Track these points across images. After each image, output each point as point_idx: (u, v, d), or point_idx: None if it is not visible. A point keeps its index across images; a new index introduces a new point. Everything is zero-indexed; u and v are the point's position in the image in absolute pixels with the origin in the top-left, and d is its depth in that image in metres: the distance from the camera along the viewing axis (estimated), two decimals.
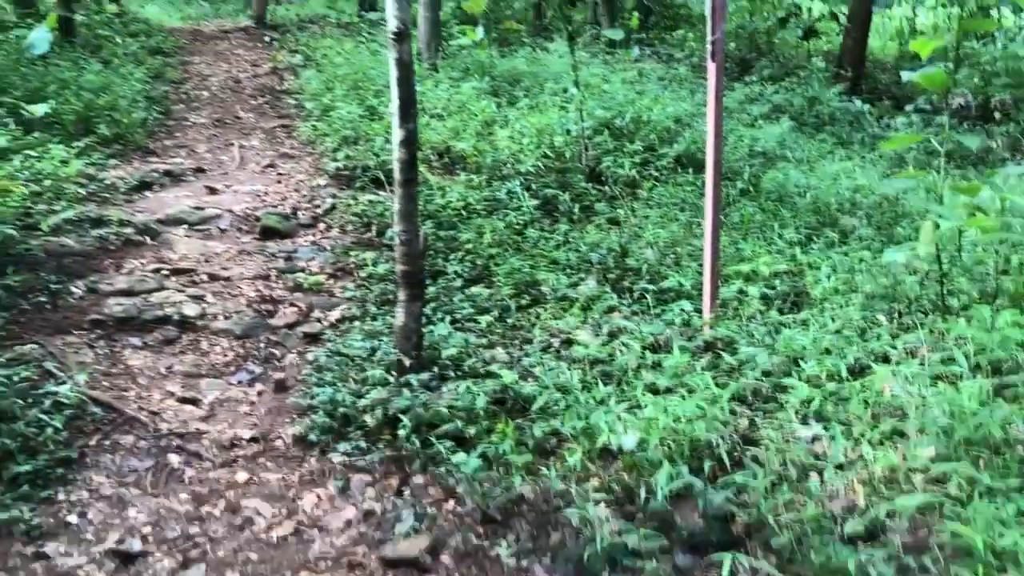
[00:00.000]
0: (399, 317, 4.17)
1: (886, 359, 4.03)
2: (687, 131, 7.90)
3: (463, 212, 6.14)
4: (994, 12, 11.53)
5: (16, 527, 3.16)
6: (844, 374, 3.82)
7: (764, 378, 4.03)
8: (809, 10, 12.49)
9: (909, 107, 9.49)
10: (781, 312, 4.77)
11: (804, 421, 3.70)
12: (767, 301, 4.87)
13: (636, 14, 11.93)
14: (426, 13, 9.75)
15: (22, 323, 4.50)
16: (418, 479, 3.53)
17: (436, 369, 4.15)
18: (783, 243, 5.78)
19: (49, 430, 3.64)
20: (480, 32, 8.92)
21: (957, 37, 4.64)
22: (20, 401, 3.73)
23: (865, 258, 5.30)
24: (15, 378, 3.86)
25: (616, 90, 8.87)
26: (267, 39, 13.21)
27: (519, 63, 10.55)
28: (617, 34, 11.14)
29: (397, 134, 4.03)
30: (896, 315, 4.52)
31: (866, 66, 11.81)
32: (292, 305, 5.11)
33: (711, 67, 4.46)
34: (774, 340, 4.34)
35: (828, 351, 4.13)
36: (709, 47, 4.42)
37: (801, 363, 4.05)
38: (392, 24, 3.95)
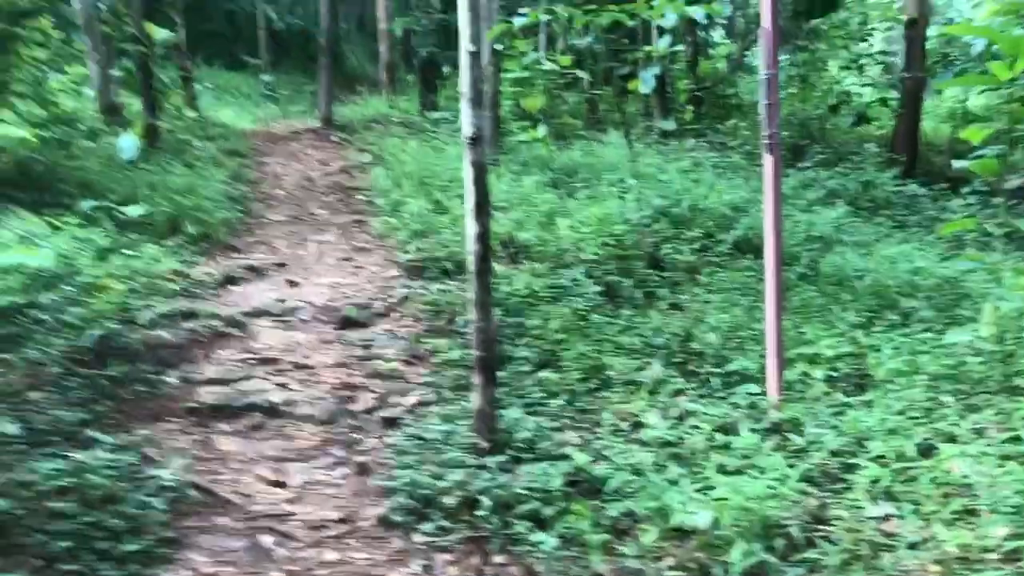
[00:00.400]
0: (475, 401, 4.38)
1: (953, 439, 4.10)
2: (744, 217, 8.11)
3: (529, 299, 6.39)
4: None
5: None
6: (912, 454, 3.90)
7: (832, 458, 4.13)
8: (859, 96, 12.75)
9: (965, 189, 9.57)
10: (845, 393, 4.86)
11: (874, 501, 3.78)
12: (831, 383, 4.97)
13: (690, 107, 12.30)
14: (487, 112, 10.23)
15: (124, 411, 4.82)
16: (498, 558, 3.68)
17: (511, 451, 4.32)
18: (844, 326, 5.88)
19: (152, 512, 3.89)
20: (542, 130, 9.34)
21: (1010, 120, 4.81)
22: (126, 485, 4.00)
23: (927, 340, 5.38)
24: (120, 463, 4.14)
25: (672, 179, 9.17)
26: (335, 139, 13.90)
27: (576, 156, 10.96)
28: (670, 125, 11.55)
29: (472, 229, 4.32)
30: (961, 396, 4.59)
31: (919, 149, 11.96)
32: (370, 391, 5.36)
33: (768, 160, 4.70)
34: (840, 421, 4.43)
35: (894, 431, 4.21)
36: (766, 142, 4.67)
37: (868, 443, 4.14)
38: (467, 130, 4.29)
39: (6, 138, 6.20)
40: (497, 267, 6.93)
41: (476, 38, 4.29)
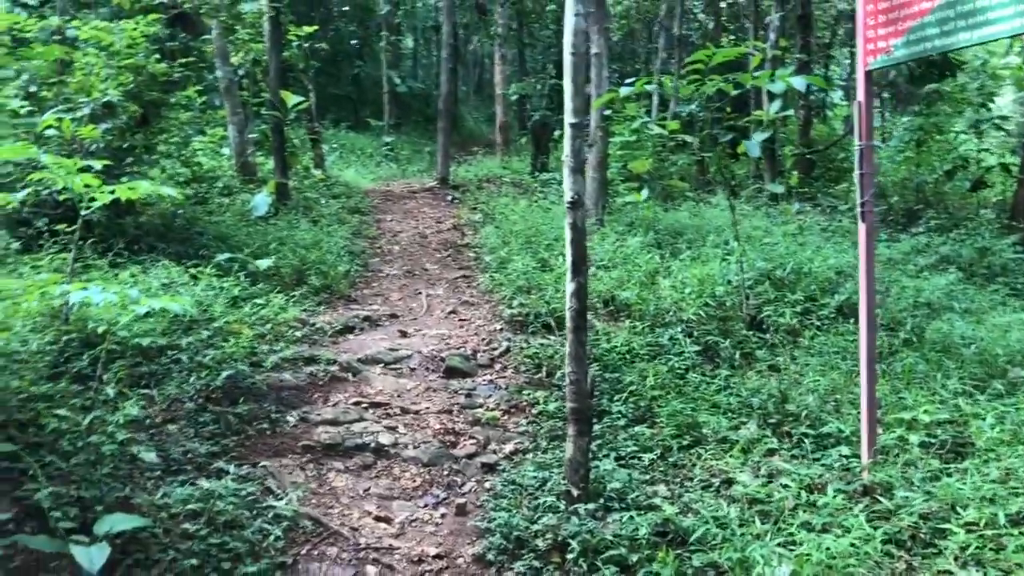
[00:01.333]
0: (568, 451, 4.61)
1: None
2: (848, 281, 8.09)
3: (627, 356, 6.58)
4: None
5: None
6: (1002, 521, 3.89)
7: (922, 523, 4.14)
8: (978, 162, 12.47)
9: None
10: (942, 460, 4.84)
11: (963, 567, 3.79)
12: (928, 449, 4.95)
13: (795, 172, 12.33)
14: (594, 174, 10.58)
15: (248, 446, 5.26)
16: None
17: (602, 500, 4.52)
18: (947, 393, 5.82)
19: (270, 538, 4.27)
20: (645, 193, 9.59)
21: None
22: (247, 512, 4.39)
23: None
24: (243, 492, 4.54)
25: (777, 242, 9.23)
26: (450, 198, 14.51)
27: (682, 217, 11.13)
28: (778, 188, 11.58)
29: (569, 287, 4.60)
30: None
31: None
32: (471, 438, 5.66)
33: (861, 228, 4.82)
34: (933, 487, 4.43)
35: (989, 499, 4.19)
36: (859, 210, 4.79)
37: (960, 510, 4.14)
38: (568, 195, 4.60)
39: (157, 195, 6.85)
40: (597, 324, 7.17)
41: (579, 111, 4.63)
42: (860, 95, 4.78)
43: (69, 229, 5.49)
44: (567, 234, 4.62)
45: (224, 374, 5.64)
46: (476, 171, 17.69)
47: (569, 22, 4.55)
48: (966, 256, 10.15)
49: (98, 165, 5.30)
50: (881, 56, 4.70)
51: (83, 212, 5.34)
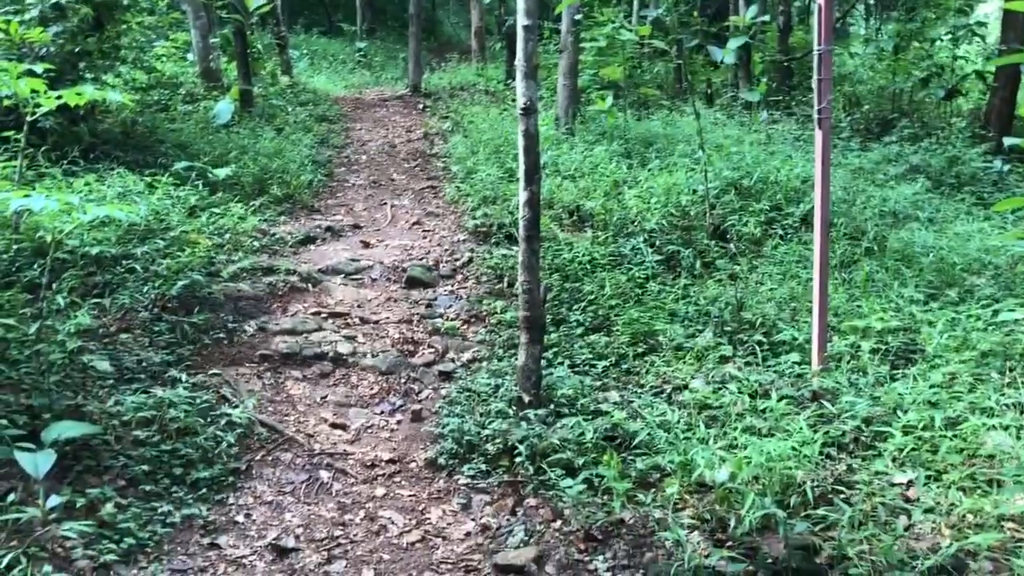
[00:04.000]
0: (520, 358, 4.64)
1: (989, 413, 4.15)
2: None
3: (588, 266, 6.58)
4: None
5: (195, 522, 3.81)
6: (939, 424, 3.97)
7: (864, 427, 4.23)
8: (952, 71, 12.31)
9: None
10: (893, 366, 4.92)
11: (900, 468, 3.89)
12: (880, 356, 5.03)
13: (764, 80, 12.14)
14: (565, 81, 10.37)
15: (204, 355, 5.26)
16: (530, 501, 3.96)
17: (552, 406, 4.58)
18: (902, 301, 5.88)
19: (223, 444, 4.31)
20: (610, 100, 9.43)
21: None
22: (201, 420, 4.42)
23: (984, 316, 5.35)
24: (198, 400, 4.57)
25: (747, 151, 9.15)
26: (421, 106, 14.24)
27: (654, 126, 10.97)
28: (753, 96, 11.41)
29: (522, 195, 4.55)
30: (1007, 371, 4.60)
31: (1014, 126, 11.52)
32: (430, 347, 5.68)
33: (818, 134, 4.77)
34: (879, 392, 4.51)
35: (933, 404, 4.28)
36: (816, 116, 4.73)
37: (902, 414, 4.23)
38: (521, 100, 4.51)
39: (114, 102, 6.66)
40: (560, 234, 7.14)
41: (532, 12, 4.49)
42: None
43: (17, 136, 5.35)
44: (520, 142, 4.55)
45: (180, 283, 5.60)
46: (450, 79, 17.31)
47: None
48: (936, 165, 10.13)
49: (39, 69, 5.12)
50: None
51: (28, 118, 5.19)
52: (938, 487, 3.68)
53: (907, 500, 3.67)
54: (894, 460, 3.94)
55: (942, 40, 12.71)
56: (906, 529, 3.46)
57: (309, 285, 6.39)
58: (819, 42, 4.66)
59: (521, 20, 4.48)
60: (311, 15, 24.71)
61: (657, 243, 7.01)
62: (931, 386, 4.40)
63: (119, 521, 3.60)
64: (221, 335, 5.49)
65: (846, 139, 11.08)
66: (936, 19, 13.80)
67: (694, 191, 7.79)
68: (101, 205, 4.35)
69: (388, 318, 6.05)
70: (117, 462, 3.99)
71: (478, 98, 14.18)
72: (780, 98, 12.58)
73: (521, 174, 4.54)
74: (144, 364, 4.86)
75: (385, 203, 8.70)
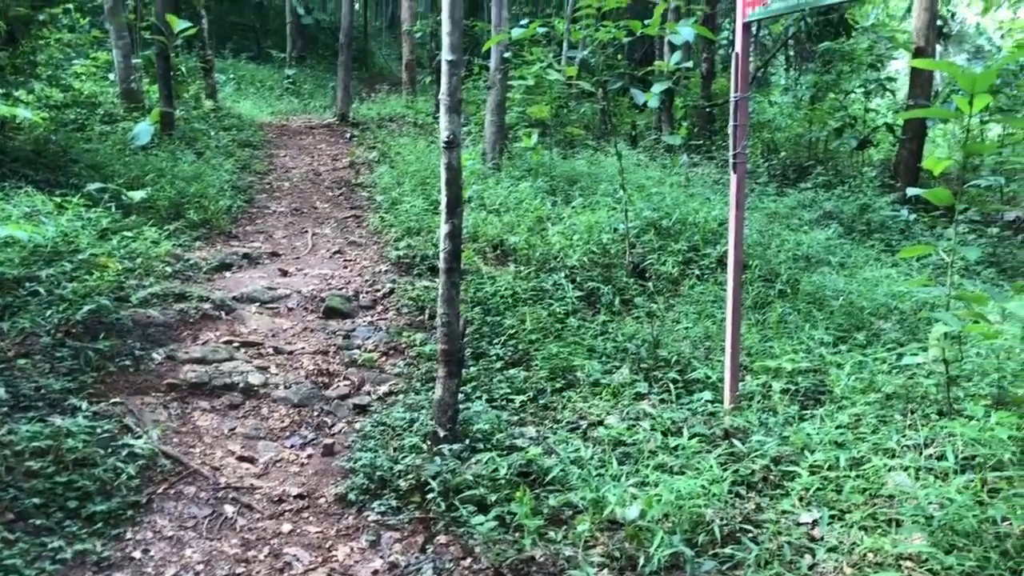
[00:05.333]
0: (437, 392, 4.59)
1: (891, 454, 4.27)
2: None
3: (510, 300, 6.58)
4: None
5: (88, 558, 3.63)
6: (844, 464, 4.07)
7: (773, 466, 4.31)
8: (864, 122, 12.85)
9: (961, 217, 9.67)
10: (802, 407, 5.04)
11: (806, 507, 3.96)
12: (790, 396, 5.14)
13: (686, 125, 12.47)
14: (492, 117, 10.45)
15: (108, 383, 5.06)
16: (441, 538, 3.89)
17: (468, 441, 4.54)
18: (813, 343, 6.04)
19: (123, 476, 4.13)
20: (534, 138, 9.54)
21: (965, 152, 4.88)
22: (101, 450, 4.24)
23: (888, 359, 5.54)
24: (98, 430, 4.38)
25: (667, 192, 9.34)
26: (348, 135, 14.16)
27: (579, 165, 11.14)
28: (675, 139, 11.68)
29: (444, 228, 4.54)
30: (909, 413, 4.75)
31: (920, 177, 12.06)
32: (346, 379, 5.58)
33: (733, 178, 4.88)
34: (789, 431, 4.61)
35: (839, 444, 4.39)
36: (731, 161, 4.85)
37: (809, 454, 4.32)
38: (444, 134, 4.51)
39: (23, 119, 6.44)
40: (484, 267, 7.15)
41: (456, 48, 4.51)
42: (737, 46, 4.81)
43: None
44: (442, 175, 4.54)
45: (86, 308, 5.39)
46: (379, 109, 17.29)
47: None
48: (848, 212, 10.52)
49: None
50: (759, 7, 4.72)
51: None
52: (841, 526, 3.75)
53: (812, 539, 3.73)
54: (800, 499, 4.01)
55: (855, 93, 13.27)
56: (810, 568, 3.51)
57: (222, 313, 6.23)
58: (735, 90, 4.79)
59: (446, 55, 4.50)
60: (241, 40, 24.44)
61: (578, 279, 7.07)
62: (837, 427, 4.51)
63: (4, 558, 3.40)
64: (127, 362, 5.29)
65: (763, 184, 11.44)
66: (850, 72, 14.42)
67: (615, 229, 7.90)
68: (4, 225, 4.18)
69: (304, 348, 5.93)
70: (6, 494, 3.79)
71: (406, 129, 14.19)
72: (701, 142, 12.94)
73: (444, 206, 4.53)
74: (43, 391, 4.65)
75: (306, 231, 8.57)
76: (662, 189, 9.35)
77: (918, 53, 11.70)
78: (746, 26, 4.84)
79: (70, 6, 9.83)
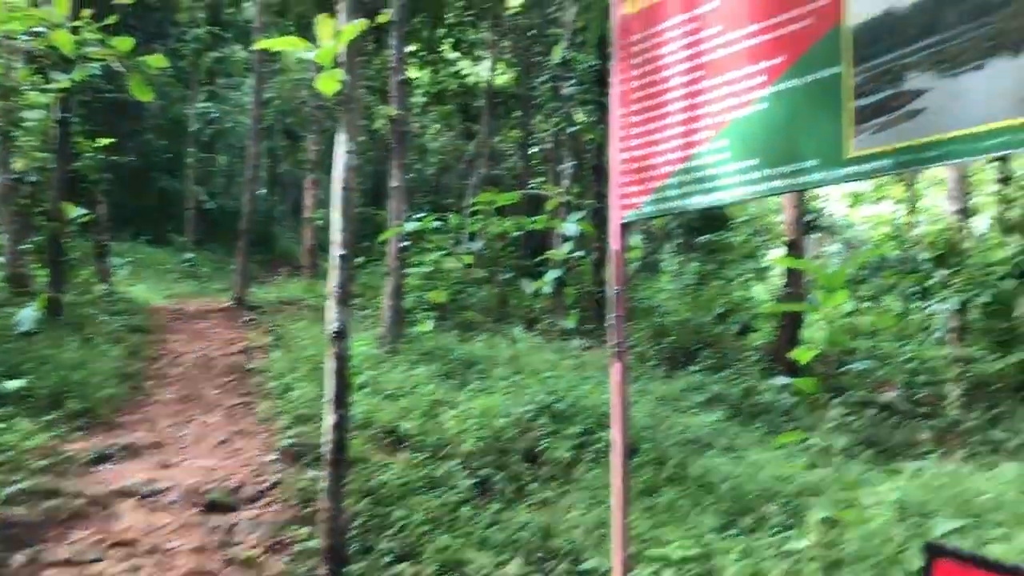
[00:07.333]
0: None
1: None
2: None
3: (401, 489, 6.47)
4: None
5: None
6: None
7: None
8: (745, 308, 13.63)
9: (839, 399, 10.16)
10: None
11: None
12: None
13: (576, 311, 12.96)
14: (390, 302, 10.64)
15: None
16: None
17: None
18: (703, 528, 6.11)
19: None
20: (430, 323, 9.73)
21: (829, 343, 5.22)
22: None
23: (773, 545, 5.63)
24: None
25: (561, 375, 9.55)
26: (245, 319, 14.07)
27: (477, 348, 11.33)
28: (569, 324, 12.12)
29: (330, 419, 4.53)
30: None
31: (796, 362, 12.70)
32: None
33: (615, 367, 5.07)
34: None
35: None
36: (614, 351, 5.05)
37: None
38: (333, 325, 4.59)
39: None
40: (375, 456, 7.05)
41: (347, 243, 4.68)
42: (615, 244, 5.13)
43: None
44: (329, 365, 4.58)
45: None
46: (279, 292, 17.32)
47: (340, 159, 4.65)
48: (734, 395, 10.92)
49: None
50: (633, 211, 5.09)
51: None
52: None
53: None
54: None
55: (735, 281, 14.12)
56: None
57: (96, 509, 5.90)
58: (615, 283, 5.07)
59: (337, 251, 4.65)
60: (142, 223, 24.41)
61: (473, 466, 7.03)
62: None
63: None
64: None
65: (653, 367, 11.84)
66: (732, 261, 15.41)
67: (508, 414, 7.97)
68: None
69: (181, 546, 5.62)
70: None
71: (304, 313, 14.21)
72: (593, 327, 13.40)
73: (331, 397, 4.54)
74: None
75: (193, 420, 8.33)
76: (556, 372, 9.56)
77: (791, 245, 12.63)
78: (623, 225, 5.19)
79: None
